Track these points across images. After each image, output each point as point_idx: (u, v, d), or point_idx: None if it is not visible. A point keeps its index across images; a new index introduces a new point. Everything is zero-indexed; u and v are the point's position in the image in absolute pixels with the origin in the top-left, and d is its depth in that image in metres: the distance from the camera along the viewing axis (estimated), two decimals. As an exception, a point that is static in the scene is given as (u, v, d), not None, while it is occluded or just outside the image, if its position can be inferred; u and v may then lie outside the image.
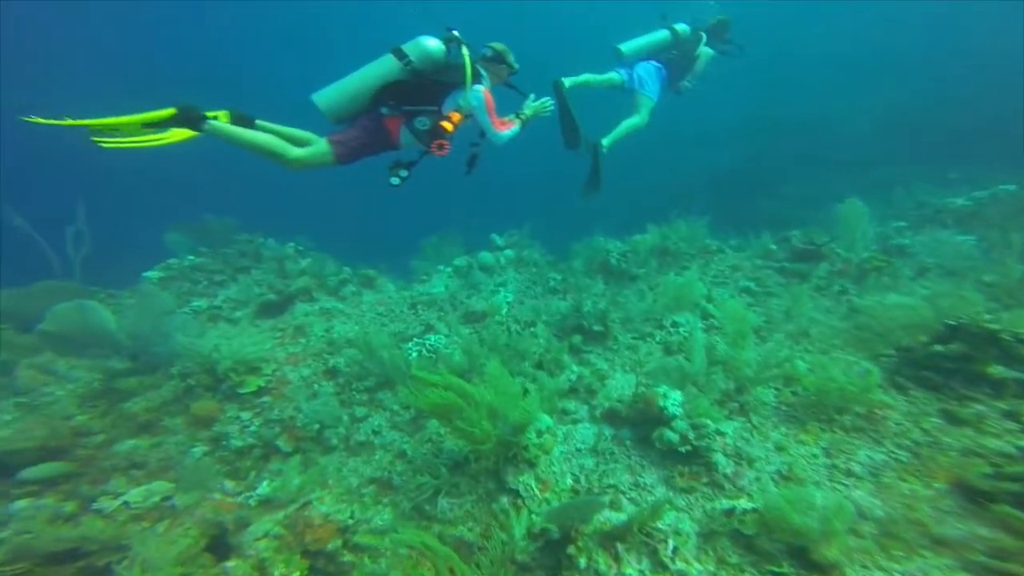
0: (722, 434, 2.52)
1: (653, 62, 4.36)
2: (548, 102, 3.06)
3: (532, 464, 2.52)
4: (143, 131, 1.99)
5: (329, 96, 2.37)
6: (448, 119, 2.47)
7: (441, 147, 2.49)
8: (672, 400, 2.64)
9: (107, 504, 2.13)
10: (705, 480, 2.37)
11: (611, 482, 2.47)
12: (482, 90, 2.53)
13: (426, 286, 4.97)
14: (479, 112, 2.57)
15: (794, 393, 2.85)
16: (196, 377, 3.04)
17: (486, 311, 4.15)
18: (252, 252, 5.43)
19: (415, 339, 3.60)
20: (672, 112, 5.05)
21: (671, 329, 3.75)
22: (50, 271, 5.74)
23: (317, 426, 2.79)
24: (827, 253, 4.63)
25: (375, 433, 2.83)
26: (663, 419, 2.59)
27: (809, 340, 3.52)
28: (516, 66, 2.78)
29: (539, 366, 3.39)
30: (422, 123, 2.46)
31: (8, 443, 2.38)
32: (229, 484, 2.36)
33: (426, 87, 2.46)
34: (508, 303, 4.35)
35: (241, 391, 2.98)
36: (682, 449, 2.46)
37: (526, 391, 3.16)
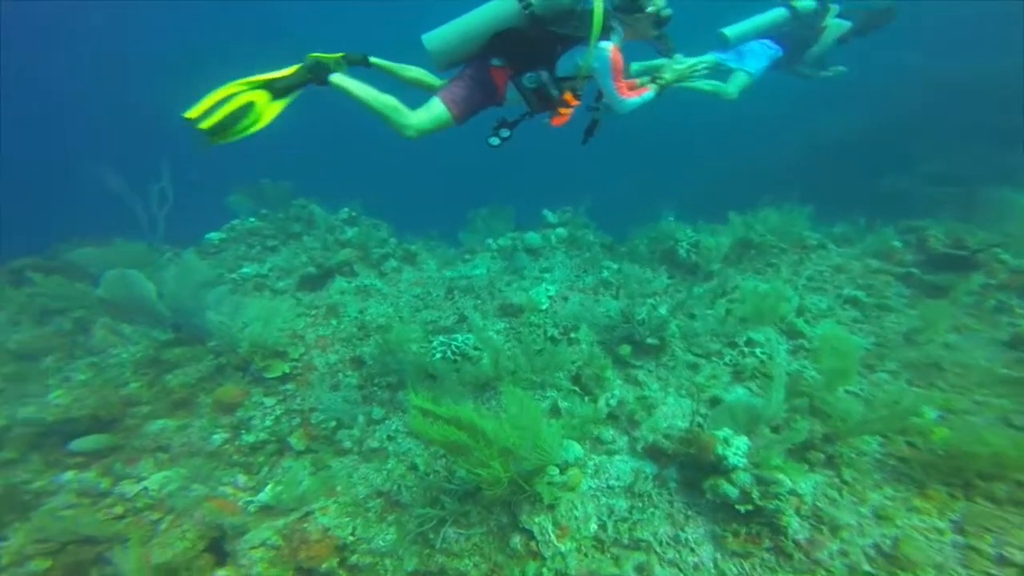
0: (798, 494, 2.03)
1: (764, 40, 3.86)
2: (699, 63, 2.48)
3: (551, 506, 2.25)
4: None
5: (440, 38, 2.13)
6: (568, 84, 2.15)
7: (558, 114, 2.20)
8: (735, 448, 2.17)
9: (129, 489, 2.24)
10: (768, 545, 1.94)
11: (644, 535, 2.13)
12: (609, 48, 2.09)
13: (467, 267, 4.70)
14: (602, 74, 2.16)
15: (911, 445, 2.23)
16: (227, 356, 3.10)
17: (524, 306, 3.80)
18: (305, 217, 5.48)
19: (443, 336, 3.38)
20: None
21: (745, 349, 3.16)
22: (137, 228, 6.33)
23: (333, 423, 2.73)
24: (984, 261, 3.60)
25: (390, 439, 2.70)
26: (720, 469, 2.15)
27: (942, 376, 2.77)
28: (667, 13, 2.21)
29: (576, 380, 3.03)
30: (531, 80, 2.15)
31: (65, 412, 2.59)
32: (241, 478, 2.38)
33: (544, 39, 2.11)
34: (550, 296, 3.96)
35: (267, 375, 2.99)
36: (742, 508, 2.04)
37: (555, 411, 2.87)
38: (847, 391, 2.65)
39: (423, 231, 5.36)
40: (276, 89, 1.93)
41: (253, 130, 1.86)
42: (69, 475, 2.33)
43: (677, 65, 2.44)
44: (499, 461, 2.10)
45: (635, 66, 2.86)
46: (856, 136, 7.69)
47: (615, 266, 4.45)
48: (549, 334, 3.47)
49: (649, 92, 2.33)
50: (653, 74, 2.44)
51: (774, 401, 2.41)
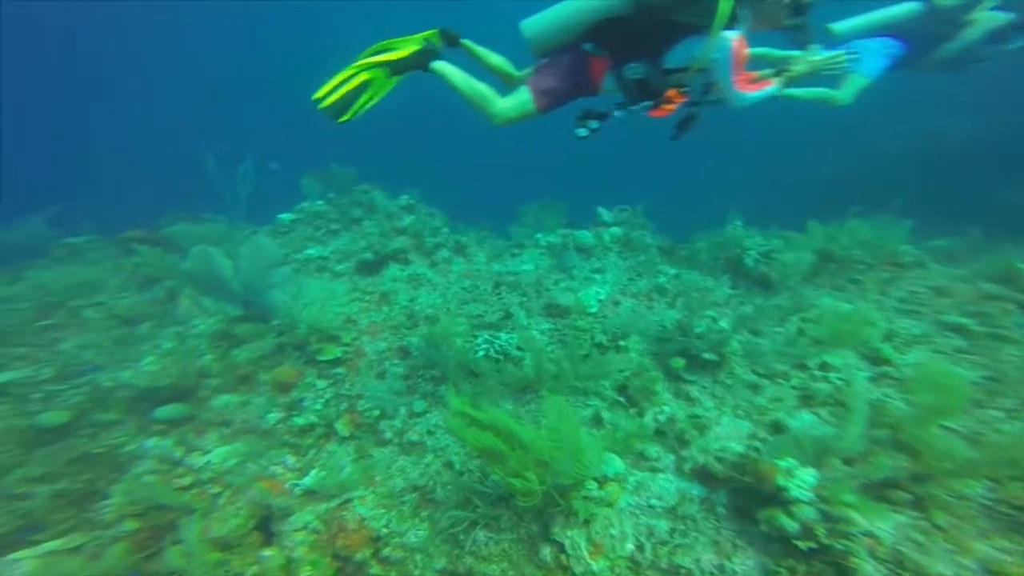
0: (874, 536, 1.80)
1: (883, 37, 3.31)
2: (837, 57, 2.22)
3: (587, 522, 2.17)
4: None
5: (540, 24, 2.09)
6: (675, 76, 2.01)
7: (661, 108, 2.08)
8: (799, 481, 1.96)
9: (196, 460, 2.45)
10: (831, 587, 1.71)
11: (685, 562, 2.00)
12: (732, 40, 1.89)
13: (515, 261, 4.63)
14: (720, 67, 1.95)
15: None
16: (288, 335, 3.29)
17: (571, 307, 3.67)
18: (367, 203, 5.68)
19: (487, 333, 3.36)
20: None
21: (817, 373, 2.85)
22: (222, 205, 6.91)
23: (377, 412, 2.81)
24: None
25: (429, 433, 2.74)
26: (779, 500, 1.95)
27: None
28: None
29: (622, 391, 2.89)
30: (634, 71, 2.03)
31: (153, 379, 2.88)
32: (291, 459, 2.52)
33: (654, 28, 1.96)
34: (600, 300, 3.79)
35: (320, 358, 3.14)
36: (802, 545, 1.84)
37: (597, 421, 2.77)
38: (944, 427, 2.30)
39: (475, 221, 5.35)
40: (393, 68, 2.09)
41: (370, 105, 2.08)
42: (153, 441, 2.60)
43: (813, 57, 2.15)
44: (535, 472, 2.05)
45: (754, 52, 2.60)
46: (979, 141, 6.56)
47: (672, 272, 4.17)
48: (596, 340, 3.33)
49: (772, 86, 2.10)
50: (779, 66, 2.18)
51: (851, 432, 2.15)
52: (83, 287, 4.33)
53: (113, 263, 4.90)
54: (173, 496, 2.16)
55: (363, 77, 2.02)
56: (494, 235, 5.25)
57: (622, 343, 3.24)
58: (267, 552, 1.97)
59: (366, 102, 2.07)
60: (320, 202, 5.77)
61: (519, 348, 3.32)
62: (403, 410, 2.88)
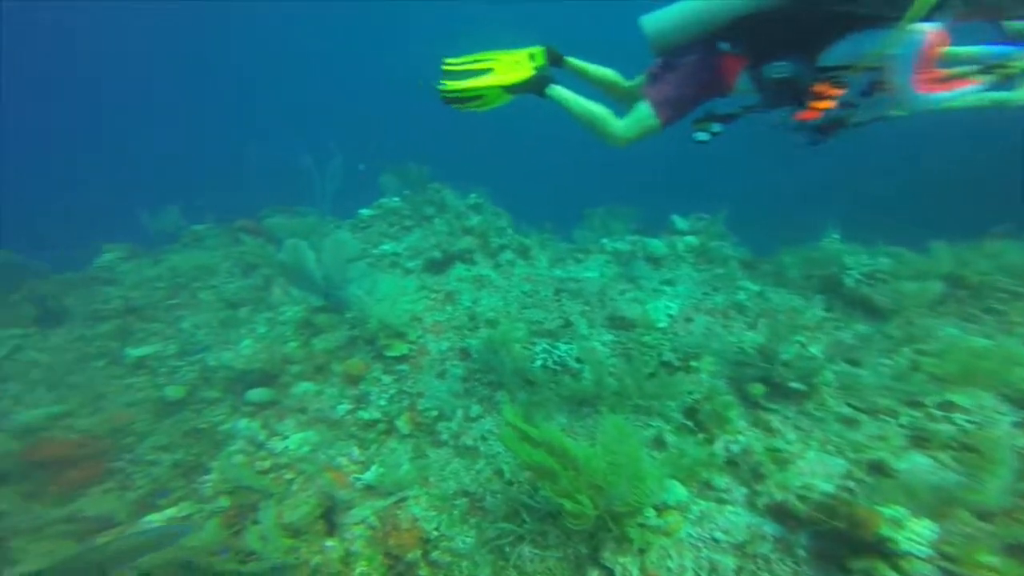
0: None
1: None
2: None
3: (641, 551, 2.06)
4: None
5: (667, 20, 1.90)
6: (830, 74, 1.73)
7: (811, 109, 1.81)
8: (912, 533, 1.72)
9: (276, 445, 2.71)
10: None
11: None
12: (926, 32, 1.57)
13: (579, 267, 4.51)
14: (900, 63, 1.62)
15: None
16: (360, 329, 3.51)
17: (637, 321, 3.48)
18: (438, 201, 5.87)
19: (546, 342, 3.30)
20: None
21: (937, 412, 2.44)
22: (312, 200, 7.56)
23: (435, 413, 2.90)
24: None
25: (483, 439, 2.77)
26: (883, 551, 1.71)
27: None
28: None
29: (691, 414, 2.70)
30: (779, 70, 1.79)
31: (248, 362, 3.24)
32: (356, 451, 2.68)
33: (818, 22, 1.70)
34: (670, 315, 3.55)
35: (387, 354, 3.31)
36: None
37: (660, 443, 2.61)
38: None
39: (539, 222, 5.28)
40: (508, 89, 2.06)
41: (477, 111, 2.09)
42: (244, 423, 2.92)
43: None
44: (587, 494, 1.99)
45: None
46: None
47: (754, 288, 3.79)
48: (664, 358, 3.13)
49: (971, 86, 1.68)
50: (987, 63, 1.75)
51: (991, 483, 1.83)
52: (201, 271, 5.00)
53: (225, 250, 5.58)
54: (255, 479, 2.41)
55: (482, 89, 2.02)
56: (557, 238, 5.16)
57: (693, 363, 3.03)
58: (330, 543, 2.13)
59: (474, 108, 2.08)
60: (396, 199, 6.06)
61: (578, 360, 3.24)
62: (460, 413, 2.94)
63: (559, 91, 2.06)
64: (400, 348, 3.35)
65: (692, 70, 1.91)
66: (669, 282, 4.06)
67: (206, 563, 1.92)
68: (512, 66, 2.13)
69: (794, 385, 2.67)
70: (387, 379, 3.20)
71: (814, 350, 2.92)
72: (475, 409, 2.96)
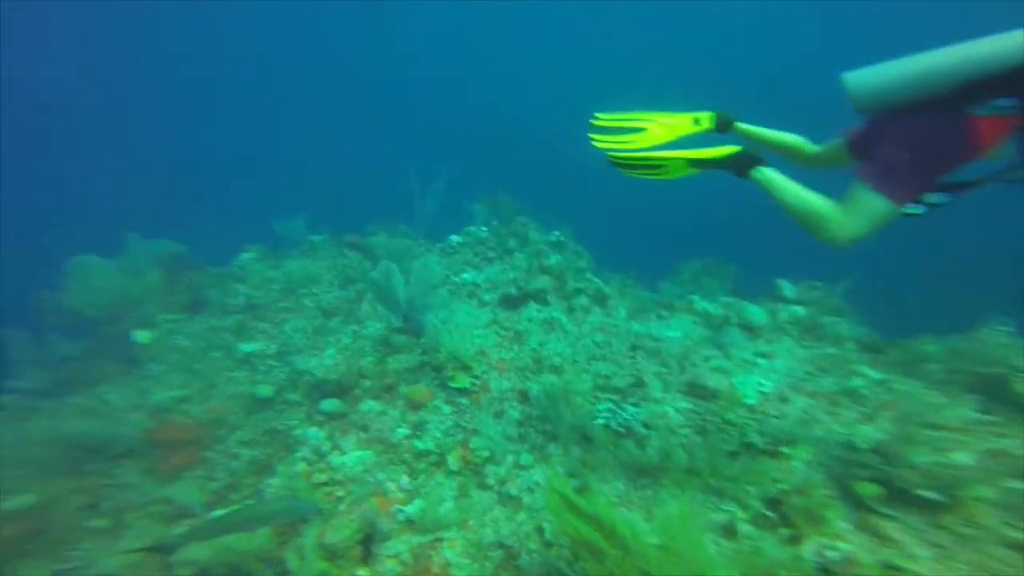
0: None
1: None
2: None
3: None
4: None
5: (880, 78, 1.58)
6: None
7: None
8: None
9: (334, 459, 2.90)
10: None
11: None
12: None
13: (660, 324, 4.25)
14: None
15: None
16: (430, 355, 3.69)
17: (721, 392, 3.16)
18: (522, 235, 6.05)
19: (612, 401, 3.14)
20: None
21: None
22: (412, 220, 8.23)
23: (486, 454, 2.89)
24: None
25: (529, 490, 2.69)
26: None
27: None
28: None
29: (774, 505, 2.36)
30: None
31: (327, 371, 3.58)
32: (405, 479, 2.77)
33: None
34: (762, 391, 3.17)
35: (451, 384, 3.41)
36: None
37: (730, 531, 2.30)
38: None
39: (623, 268, 5.12)
40: (702, 163, 1.82)
41: (650, 179, 1.90)
42: (313, 431, 3.19)
43: None
44: (634, 584, 1.80)
45: None
46: None
47: (876, 376, 3.22)
48: (749, 439, 2.79)
49: None
50: None
51: None
52: (309, 278, 5.71)
53: (332, 261, 6.32)
54: (309, 492, 2.60)
55: (661, 160, 1.82)
56: (641, 288, 4.94)
57: (785, 450, 2.67)
58: (362, 572, 2.20)
59: (649, 176, 1.88)
60: (484, 228, 6.36)
61: (646, 425, 3.03)
62: (510, 459, 2.90)
63: (770, 175, 1.71)
64: (464, 381, 3.44)
65: (928, 137, 1.51)
66: (765, 355, 3.63)
67: (252, 569, 2.11)
68: (668, 129, 1.99)
69: (926, 494, 2.20)
70: (447, 410, 3.29)
71: (961, 457, 2.37)
72: (526, 457, 2.90)
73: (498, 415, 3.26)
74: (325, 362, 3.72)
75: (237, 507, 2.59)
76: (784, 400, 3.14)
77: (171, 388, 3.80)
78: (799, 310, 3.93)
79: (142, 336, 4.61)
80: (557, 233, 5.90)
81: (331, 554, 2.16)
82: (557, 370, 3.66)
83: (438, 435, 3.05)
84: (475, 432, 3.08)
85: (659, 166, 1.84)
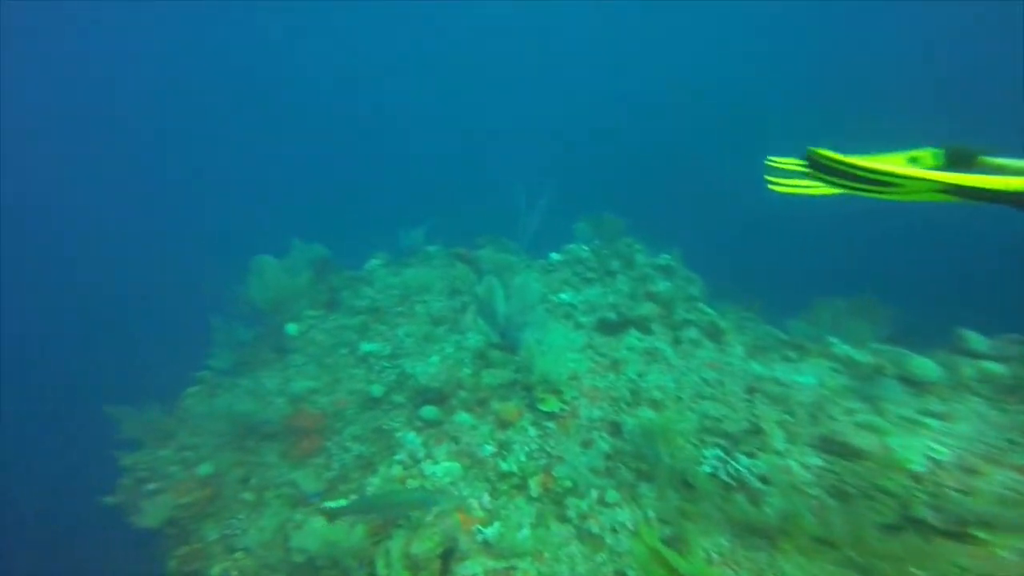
0: None
1: None
2: None
3: None
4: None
5: None
6: None
7: None
8: None
9: (427, 467, 3.07)
10: None
11: None
12: None
13: (788, 368, 3.66)
14: None
15: None
16: (523, 374, 3.73)
17: (869, 454, 2.60)
18: (626, 257, 5.82)
19: (721, 448, 2.80)
20: None
21: None
22: (517, 235, 8.49)
23: (569, 484, 2.80)
24: None
25: (613, 530, 2.53)
26: None
27: None
28: None
29: None
30: None
31: (430, 378, 3.86)
32: (487, 498, 2.82)
33: None
34: (933, 459, 2.52)
35: (540, 407, 3.40)
36: None
37: None
38: None
39: (743, 299, 4.56)
40: (968, 193, 1.38)
41: (876, 199, 1.58)
42: (411, 436, 3.44)
43: None
44: None
45: None
46: None
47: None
48: (915, 513, 2.27)
49: None
50: None
51: None
52: (422, 287, 6.27)
53: (443, 271, 6.85)
54: (400, 495, 2.77)
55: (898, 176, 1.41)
56: (763, 323, 4.34)
57: (981, 534, 2.12)
58: (439, 587, 2.27)
59: (878, 195, 1.51)
60: (586, 248, 6.28)
61: (764, 480, 2.65)
62: (594, 493, 2.77)
63: None
64: (553, 404, 3.40)
65: None
66: (937, 415, 2.89)
67: (348, 566, 2.34)
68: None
69: None
70: (533, 432, 3.29)
71: None
72: (612, 495, 2.73)
73: (586, 445, 3.15)
74: (429, 369, 4.02)
75: (383, 491, 2.91)
76: (972, 472, 2.46)
77: (306, 378, 4.49)
78: (994, 366, 3.03)
79: (292, 328, 5.55)
80: (666, 257, 5.55)
81: (414, 565, 2.30)
82: (657, 405, 3.41)
83: (522, 457, 3.06)
84: (559, 459, 3.01)
85: (890, 183, 1.40)
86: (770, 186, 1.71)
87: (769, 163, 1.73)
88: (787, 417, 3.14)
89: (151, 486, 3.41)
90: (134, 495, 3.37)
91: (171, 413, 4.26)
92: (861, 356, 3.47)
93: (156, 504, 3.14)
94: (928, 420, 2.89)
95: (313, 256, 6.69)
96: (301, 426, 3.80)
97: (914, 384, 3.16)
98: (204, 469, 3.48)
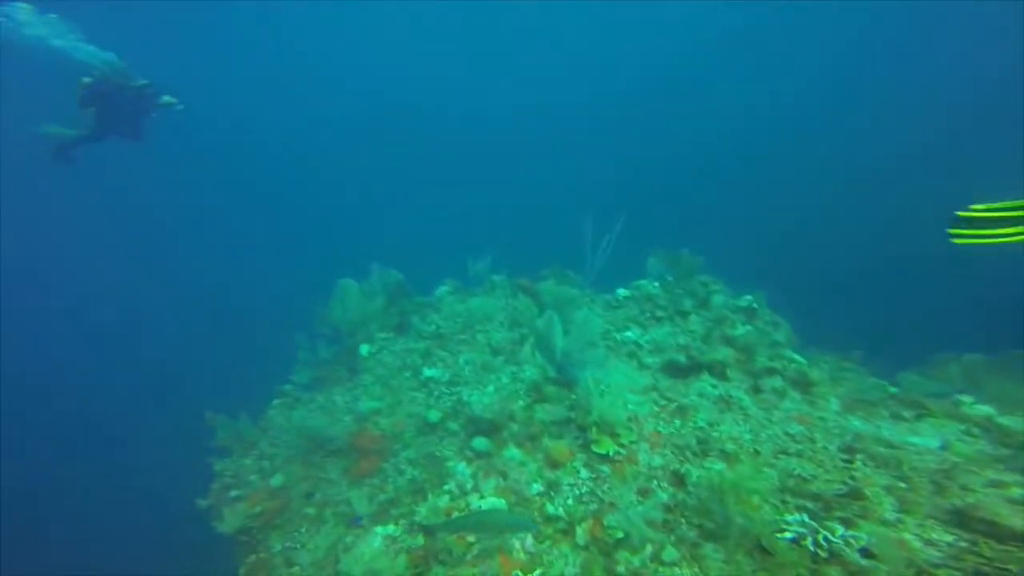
0: None
1: None
2: None
3: None
4: None
5: None
6: None
7: None
8: None
9: (474, 501, 2.98)
10: None
11: None
12: None
13: (900, 427, 3.11)
14: None
15: None
16: (577, 412, 3.60)
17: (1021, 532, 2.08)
18: (702, 296, 5.48)
19: (808, 513, 2.42)
20: None
21: None
22: (582, 268, 8.35)
23: (620, 535, 2.57)
24: None
25: (669, 598, 2.26)
26: None
27: None
28: None
29: None
30: None
31: (484, 409, 3.86)
32: (530, 541, 2.66)
33: None
34: None
35: (594, 449, 3.23)
36: None
37: None
38: None
39: (841, 348, 4.00)
40: None
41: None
42: (462, 466, 3.43)
43: None
44: None
45: None
46: None
47: None
48: None
49: None
50: None
51: None
52: (484, 316, 6.43)
53: (506, 301, 6.97)
54: (447, 536, 2.71)
55: None
56: (866, 375, 3.77)
57: None
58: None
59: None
60: (656, 284, 6.02)
61: (868, 554, 2.25)
62: (649, 548, 2.51)
63: None
64: (608, 447, 3.22)
65: None
66: None
67: None
68: None
69: None
70: (585, 474, 3.11)
71: None
72: (670, 552, 2.46)
73: (643, 494, 2.90)
74: (484, 400, 4.05)
75: (474, 513, 2.95)
76: None
77: (372, 399, 4.76)
78: None
79: (364, 349, 5.97)
80: (749, 298, 5.13)
81: None
82: (729, 458, 3.07)
83: (570, 501, 2.89)
84: (612, 506, 2.80)
85: None
86: (954, 239, 1.68)
87: (967, 213, 1.65)
88: (898, 483, 2.64)
89: (234, 492, 3.78)
90: (220, 500, 3.75)
91: (256, 424, 4.73)
92: (1012, 420, 2.84)
93: (234, 512, 3.44)
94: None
95: (389, 281, 7.21)
96: (363, 446, 4.00)
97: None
98: (276, 480, 3.78)
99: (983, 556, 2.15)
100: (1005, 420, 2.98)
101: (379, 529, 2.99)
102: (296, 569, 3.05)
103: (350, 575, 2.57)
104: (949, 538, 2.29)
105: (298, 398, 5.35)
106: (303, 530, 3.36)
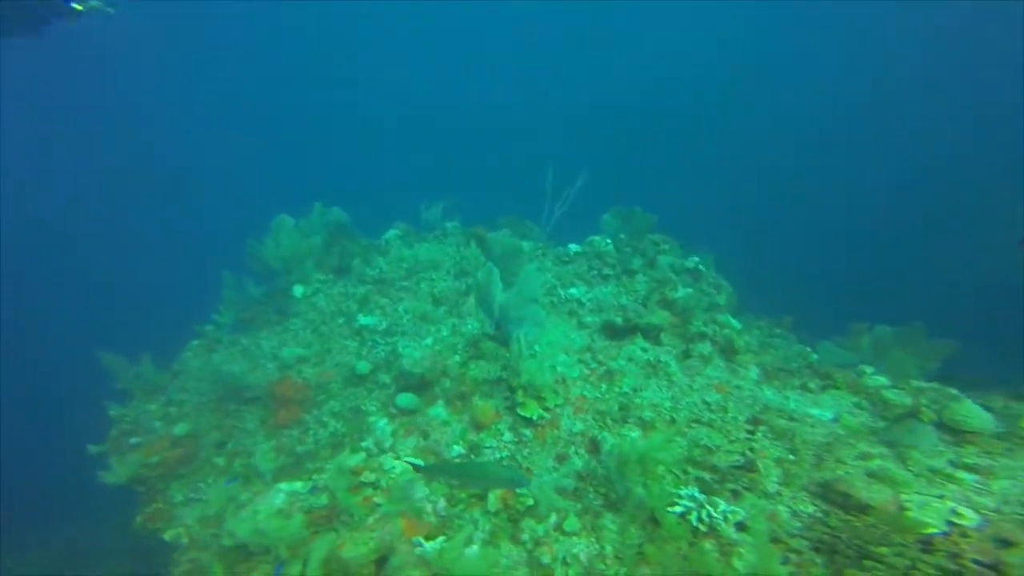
0: None
1: None
2: None
3: None
4: None
5: None
6: None
7: None
8: None
9: (387, 462, 2.99)
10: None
11: None
12: None
13: (805, 398, 3.33)
14: None
15: None
16: (508, 373, 3.61)
17: (877, 508, 2.32)
18: (650, 256, 5.48)
19: (699, 488, 2.59)
20: None
21: None
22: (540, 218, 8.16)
23: (530, 503, 2.69)
24: None
25: (564, 562, 2.43)
26: None
27: None
28: None
29: None
30: None
31: (415, 363, 3.79)
32: (442, 504, 2.74)
33: None
34: (958, 524, 2.22)
35: (519, 412, 3.28)
36: None
37: None
38: None
39: (777, 314, 4.15)
40: None
41: None
42: (383, 423, 3.41)
43: None
44: None
45: None
46: None
47: None
48: None
49: None
50: None
51: None
52: (431, 264, 6.20)
53: (456, 250, 6.74)
54: (348, 497, 2.69)
55: None
56: (794, 341, 3.97)
57: None
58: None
59: None
60: (609, 241, 5.95)
61: (740, 527, 2.45)
62: (554, 517, 2.65)
63: None
64: (533, 410, 3.28)
65: None
66: (974, 469, 2.55)
67: (282, 556, 2.32)
68: None
69: None
70: (508, 437, 3.19)
71: None
72: (572, 522, 2.61)
73: (559, 460, 3.02)
74: (416, 354, 3.97)
75: (471, 461, 2.93)
76: (1005, 543, 2.15)
77: (299, 345, 4.58)
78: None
79: (298, 290, 5.67)
80: (696, 260, 5.17)
81: (344, 570, 2.27)
82: (646, 426, 3.22)
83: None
84: (528, 472, 2.90)
85: None
86: None
87: None
88: (788, 456, 2.88)
89: (134, 440, 3.62)
90: (119, 447, 3.59)
91: (167, 367, 4.47)
92: (895, 394, 3.09)
93: (123, 461, 3.30)
94: (960, 474, 2.56)
95: (330, 219, 6.72)
96: (284, 395, 3.89)
97: (953, 432, 2.78)
98: (180, 429, 3.63)
99: (828, 526, 2.39)
100: (890, 393, 3.24)
101: (283, 485, 2.94)
102: (192, 522, 2.99)
103: (235, 535, 2.54)
104: (811, 509, 2.52)
105: (219, 340, 5.07)
106: (210, 481, 3.31)
